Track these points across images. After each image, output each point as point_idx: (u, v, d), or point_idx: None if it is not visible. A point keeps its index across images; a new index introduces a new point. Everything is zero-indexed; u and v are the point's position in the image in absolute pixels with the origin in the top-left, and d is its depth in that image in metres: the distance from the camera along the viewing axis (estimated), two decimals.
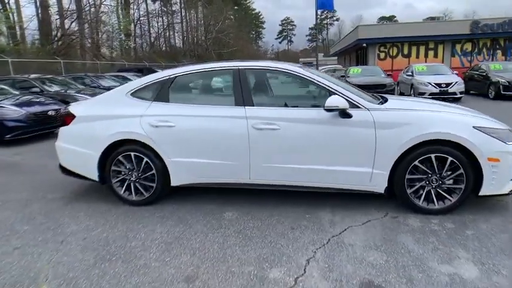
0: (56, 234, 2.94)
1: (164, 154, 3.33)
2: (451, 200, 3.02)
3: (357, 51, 27.34)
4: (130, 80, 13.06)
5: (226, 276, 2.27)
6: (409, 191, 3.05)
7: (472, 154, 2.88)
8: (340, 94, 3.07)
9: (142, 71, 16.16)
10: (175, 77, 3.49)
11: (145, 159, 3.38)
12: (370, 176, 3.06)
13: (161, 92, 3.46)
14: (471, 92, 13.84)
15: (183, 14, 46.84)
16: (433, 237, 2.69)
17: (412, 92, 12.90)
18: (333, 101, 2.97)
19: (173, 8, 45.57)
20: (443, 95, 11.56)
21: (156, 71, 4.02)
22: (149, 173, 3.41)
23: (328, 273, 2.27)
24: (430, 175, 3.01)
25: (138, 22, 36.10)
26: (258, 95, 3.44)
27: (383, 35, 22.38)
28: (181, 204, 3.46)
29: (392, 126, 2.97)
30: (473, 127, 2.94)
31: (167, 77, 3.48)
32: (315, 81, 3.22)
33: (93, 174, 3.54)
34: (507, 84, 11.66)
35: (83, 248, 2.69)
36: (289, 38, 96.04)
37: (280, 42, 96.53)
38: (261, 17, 72.54)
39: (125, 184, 3.49)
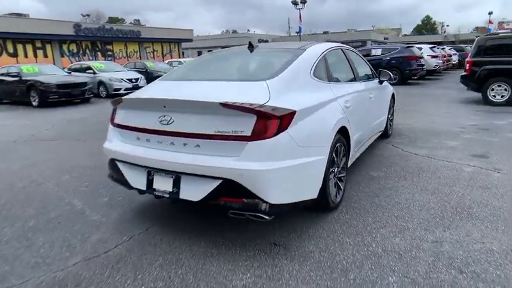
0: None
1: (351, 135, 3.12)
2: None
3: None
4: None
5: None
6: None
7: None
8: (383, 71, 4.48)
9: None
10: (325, 54, 3.15)
11: (343, 146, 2.96)
12: (385, 121, 4.83)
13: (326, 72, 3.04)
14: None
15: None
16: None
17: (101, 90, 12.83)
18: (388, 74, 4.41)
19: None
20: (135, 89, 12.70)
21: None
22: (343, 162, 3.02)
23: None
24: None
25: None
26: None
27: None
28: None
29: (388, 87, 4.90)
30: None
31: (321, 56, 3.06)
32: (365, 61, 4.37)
33: (315, 189, 2.50)
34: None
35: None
36: None
37: None
38: None
39: (332, 184, 2.80)
